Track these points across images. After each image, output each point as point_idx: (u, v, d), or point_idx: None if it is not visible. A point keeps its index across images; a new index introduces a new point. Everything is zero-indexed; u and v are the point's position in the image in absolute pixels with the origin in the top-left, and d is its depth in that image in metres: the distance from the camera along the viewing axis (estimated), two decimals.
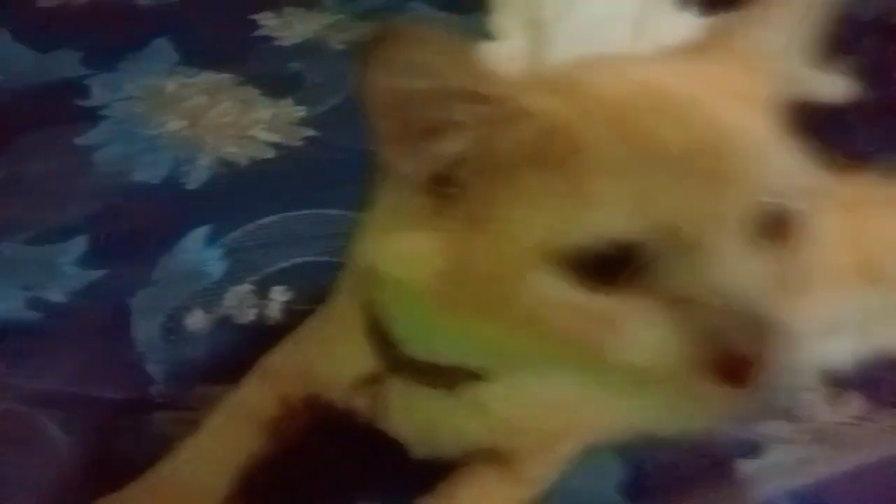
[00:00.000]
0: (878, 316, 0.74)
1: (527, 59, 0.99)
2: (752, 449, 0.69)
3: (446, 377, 0.50)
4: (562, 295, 0.35)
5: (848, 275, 0.71)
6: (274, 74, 1.06)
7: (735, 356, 0.33)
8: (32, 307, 0.74)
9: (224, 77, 1.04)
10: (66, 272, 0.77)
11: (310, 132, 0.96)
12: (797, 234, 0.38)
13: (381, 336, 0.51)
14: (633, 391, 0.40)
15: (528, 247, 0.35)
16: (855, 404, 0.73)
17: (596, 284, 0.34)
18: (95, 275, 0.77)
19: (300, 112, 0.99)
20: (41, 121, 0.95)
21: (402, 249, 0.39)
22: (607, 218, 0.34)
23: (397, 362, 0.51)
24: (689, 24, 1.01)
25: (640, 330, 0.34)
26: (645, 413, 0.54)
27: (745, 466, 0.68)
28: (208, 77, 1.04)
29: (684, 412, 0.36)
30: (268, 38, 1.13)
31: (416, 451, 0.58)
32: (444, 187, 0.38)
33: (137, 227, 0.83)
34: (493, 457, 0.58)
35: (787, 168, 0.37)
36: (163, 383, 0.69)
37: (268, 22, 1.16)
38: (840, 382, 0.74)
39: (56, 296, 0.75)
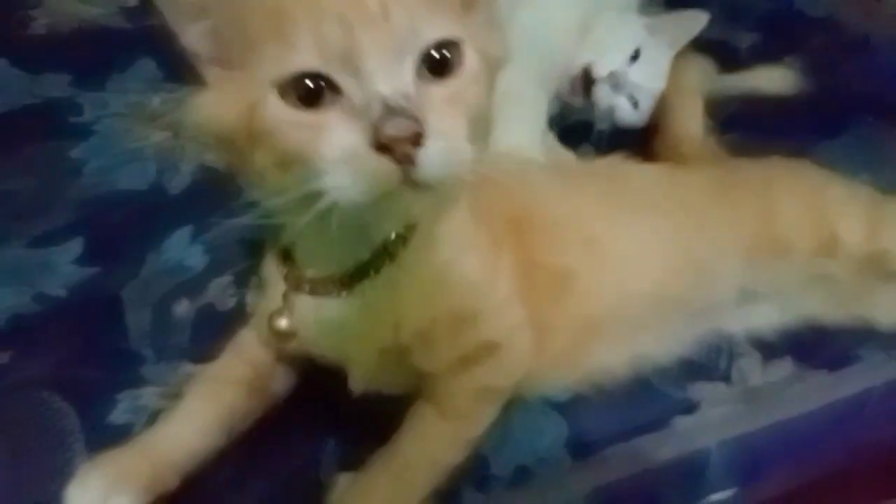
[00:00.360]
0: (794, 285, 0.80)
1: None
2: (687, 407, 0.75)
3: (338, 282, 0.60)
4: (283, 113, 0.49)
5: (760, 247, 0.78)
6: None
7: (388, 140, 0.46)
8: (37, 302, 0.81)
9: None
10: (65, 270, 0.84)
11: None
12: (456, 69, 0.51)
13: (283, 258, 0.63)
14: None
15: (262, 81, 0.49)
16: (784, 366, 0.80)
17: (306, 105, 0.48)
18: (91, 271, 0.84)
19: None
20: (36, 137, 1.00)
21: (205, 109, 0.53)
22: (302, 58, 0.48)
23: (298, 279, 0.62)
24: (632, 26, 1.06)
25: (335, 132, 0.48)
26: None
27: (681, 422, 0.74)
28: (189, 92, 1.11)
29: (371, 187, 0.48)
30: None
31: (354, 387, 0.66)
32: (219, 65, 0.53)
33: (127, 228, 0.89)
34: (431, 396, 0.66)
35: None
36: (153, 363, 0.76)
37: None
38: (771, 347, 0.80)
39: (56, 291, 0.82)
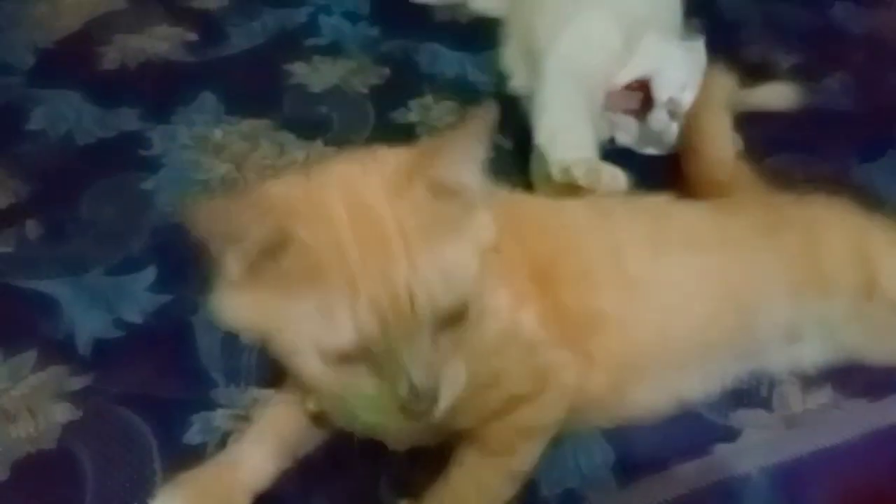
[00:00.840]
0: (835, 324, 0.80)
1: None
2: (730, 434, 0.77)
3: None
4: (320, 371, 0.54)
5: (805, 287, 0.78)
6: (305, 118, 1.15)
7: (410, 410, 0.53)
8: (117, 327, 0.86)
9: (262, 123, 1.13)
10: (140, 297, 0.89)
11: None
12: (471, 314, 0.55)
13: None
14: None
15: (300, 334, 0.53)
16: (824, 394, 0.81)
17: (342, 363, 0.53)
18: (164, 298, 0.89)
19: (330, 152, 1.09)
20: (109, 170, 1.06)
21: (230, 309, 0.56)
22: (342, 337, 0.51)
23: None
24: (673, 52, 1.07)
25: (364, 383, 0.54)
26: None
27: (723, 449, 0.76)
28: (249, 124, 1.13)
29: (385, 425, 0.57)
30: (299, 86, 1.21)
31: (394, 447, 0.69)
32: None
33: (196, 258, 0.95)
34: (473, 439, 0.68)
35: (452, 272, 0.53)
36: (223, 387, 0.80)
37: (299, 70, 1.24)
38: (812, 376, 0.82)
39: (133, 317, 0.87)
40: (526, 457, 0.70)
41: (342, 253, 0.50)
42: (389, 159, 0.55)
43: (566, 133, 0.99)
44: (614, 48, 1.07)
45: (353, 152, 0.59)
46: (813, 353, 0.81)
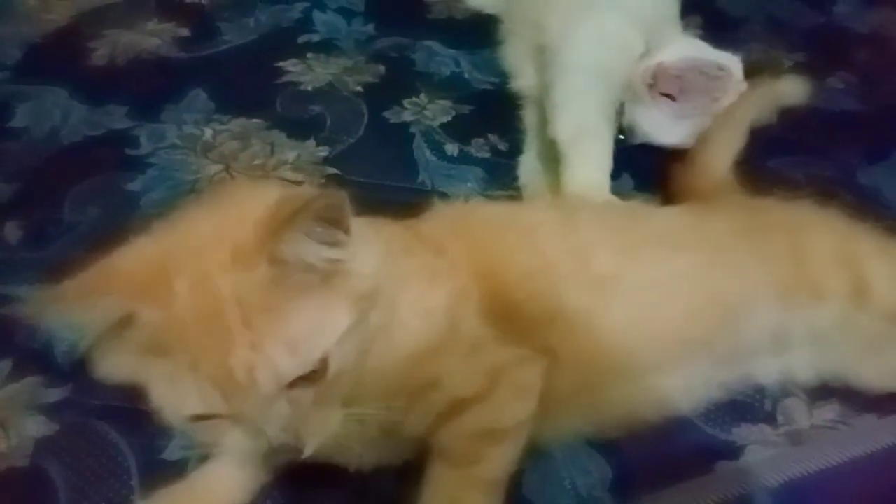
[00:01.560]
0: (827, 335, 0.77)
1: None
2: (732, 450, 0.75)
3: None
4: (186, 428, 0.56)
5: (793, 291, 0.76)
6: (297, 117, 1.14)
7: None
8: None
9: (254, 122, 1.12)
10: None
11: (331, 170, 1.05)
12: (325, 372, 0.55)
13: None
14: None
15: (161, 402, 0.55)
16: (830, 409, 0.79)
17: (204, 420, 0.55)
18: None
19: (322, 152, 1.08)
20: (95, 170, 1.04)
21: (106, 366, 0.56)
22: (192, 404, 0.53)
23: None
24: (689, 48, 1.07)
25: (231, 438, 0.56)
26: None
27: (725, 467, 0.74)
28: (240, 123, 1.12)
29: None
30: (292, 84, 1.20)
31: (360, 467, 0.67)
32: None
33: None
34: (436, 453, 0.66)
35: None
36: None
37: (292, 68, 1.22)
38: (815, 390, 0.80)
39: None
40: (494, 463, 0.66)
41: (183, 331, 0.51)
42: (247, 221, 0.53)
43: (590, 139, 0.99)
44: (630, 45, 1.06)
45: (229, 195, 0.60)
46: (803, 365, 0.79)
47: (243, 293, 0.52)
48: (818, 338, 0.77)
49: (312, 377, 0.55)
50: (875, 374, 0.79)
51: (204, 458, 0.72)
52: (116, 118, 1.13)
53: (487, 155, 1.10)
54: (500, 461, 0.67)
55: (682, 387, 0.76)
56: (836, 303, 0.76)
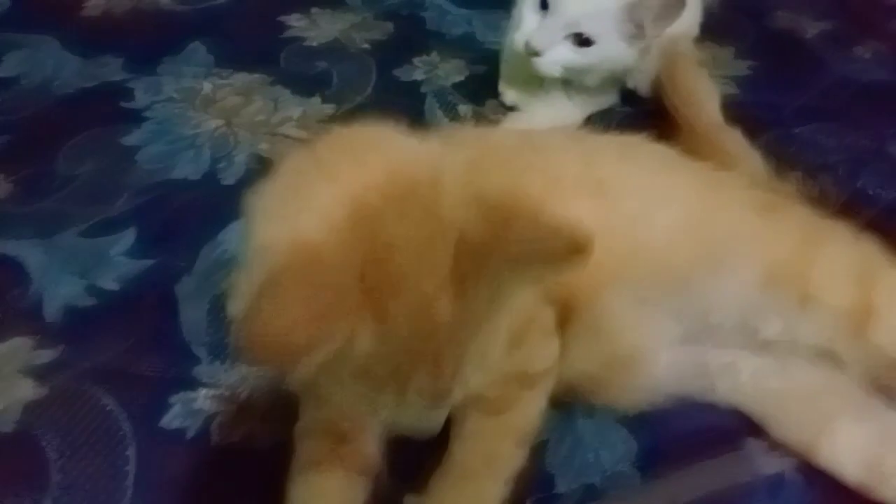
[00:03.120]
0: (803, 348, 0.72)
1: None
2: (761, 428, 0.71)
3: None
4: None
5: (782, 280, 0.71)
6: (302, 74, 1.11)
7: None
8: (90, 294, 0.80)
9: (256, 77, 1.09)
10: (117, 262, 0.83)
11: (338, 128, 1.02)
12: None
13: None
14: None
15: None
16: None
17: None
18: (144, 264, 0.83)
19: (328, 109, 1.04)
20: (89, 123, 1.00)
21: None
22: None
23: None
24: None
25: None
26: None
27: (753, 444, 0.71)
28: (242, 78, 1.09)
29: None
30: (296, 39, 1.17)
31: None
32: None
33: (180, 220, 0.88)
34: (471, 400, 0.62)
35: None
36: (207, 363, 0.74)
37: (296, 23, 1.20)
38: None
39: (109, 284, 0.81)
40: (528, 409, 0.65)
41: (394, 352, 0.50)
42: (445, 218, 0.51)
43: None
44: None
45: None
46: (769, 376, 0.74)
47: (458, 318, 0.50)
48: (795, 354, 0.72)
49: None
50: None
51: (205, 429, 0.68)
52: (111, 70, 1.10)
53: (501, 116, 1.07)
54: (532, 407, 0.65)
55: (659, 321, 0.72)
56: (824, 320, 0.71)
